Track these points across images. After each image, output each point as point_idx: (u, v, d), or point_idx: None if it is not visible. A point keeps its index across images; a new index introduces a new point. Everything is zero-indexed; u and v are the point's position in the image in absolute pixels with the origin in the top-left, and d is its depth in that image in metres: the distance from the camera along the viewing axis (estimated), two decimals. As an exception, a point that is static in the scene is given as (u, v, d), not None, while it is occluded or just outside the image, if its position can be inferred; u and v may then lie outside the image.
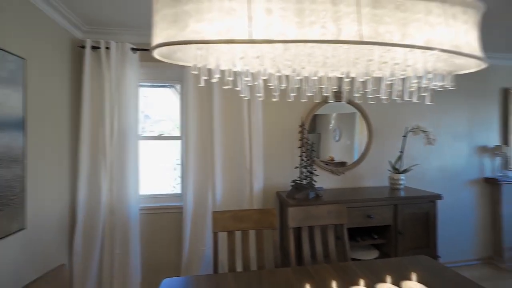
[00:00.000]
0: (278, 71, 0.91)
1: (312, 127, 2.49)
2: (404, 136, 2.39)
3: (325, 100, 2.38)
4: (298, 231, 1.56)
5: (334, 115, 2.60)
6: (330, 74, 1.03)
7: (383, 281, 0.85)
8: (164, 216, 2.27)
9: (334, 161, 2.56)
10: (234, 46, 0.82)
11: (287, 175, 2.34)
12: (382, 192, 2.24)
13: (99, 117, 1.99)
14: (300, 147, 2.13)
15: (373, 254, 2.09)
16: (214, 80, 0.88)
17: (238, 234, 1.49)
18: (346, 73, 0.98)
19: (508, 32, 2.19)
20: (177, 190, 2.40)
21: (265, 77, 0.90)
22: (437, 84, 0.86)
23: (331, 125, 2.66)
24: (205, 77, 0.85)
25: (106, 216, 1.99)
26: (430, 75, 0.86)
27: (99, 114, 1.99)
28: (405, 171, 2.34)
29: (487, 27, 2.12)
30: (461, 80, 2.85)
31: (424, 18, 0.64)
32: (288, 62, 0.89)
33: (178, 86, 2.39)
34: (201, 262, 2.10)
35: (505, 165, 2.84)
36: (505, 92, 2.85)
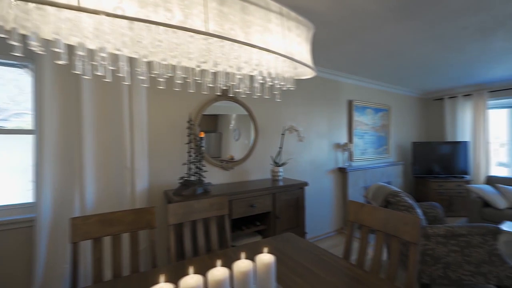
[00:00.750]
0: (140, 55, 0.85)
1: (213, 126, 2.56)
2: (283, 134, 2.78)
3: (215, 98, 2.45)
4: (180, 227, 1.52)
5: (234, 115, 2.72)
6: (205, 67, 1.06)
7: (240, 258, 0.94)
8: (10, 234, 1.72)
9: (234, 160, 2.67)
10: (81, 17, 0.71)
11: (176, 172, 2.26)
12: (265, 184, 2.52)
13: None
14: (188, 143, 2.10)
15: (256, 239, 2.32)
16: (62, 62, 0.72)
17: (108, 240, 1.31)
18: (215, 67, 1.03)
19: (346, 58, 2.93)
20: (29, 198, 1.87)
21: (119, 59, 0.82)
22: (284, 84, 1.03)
23: (231, 125, 2.76)
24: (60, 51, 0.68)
25: None
26: (278, 77, 1.02)
27: None
28: (283, 164, 2.72)
29: (334, 52, 2.81)
30: (323, 91, 3.64)
31: (265, 24, 0.75)
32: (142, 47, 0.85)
33: (32, 66, 1.87)
34: (62, 282, 1.71)
35: (350, 158, 3.80)
36: (350, 103, 3.81)
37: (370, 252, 2.58)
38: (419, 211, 2.11)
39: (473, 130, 4.50)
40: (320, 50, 2.67)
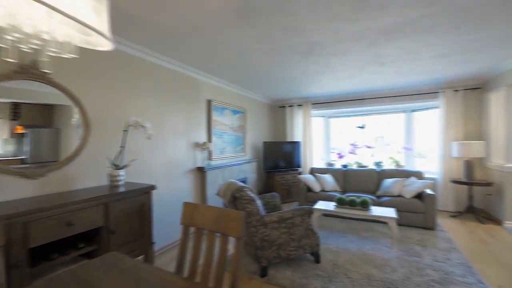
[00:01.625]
0: None
1: (46, 120, 1.92)
2: (125, 130, 2.34)
3: (7, 75, 1.68)
4: None
5: (76, 109, 2.06)
6: None
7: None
8: None
9: (47, 162, 1.97)
10: None
11: None
12: (99, 191, 1.99)
13: None
14: None
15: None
16: None
17: None
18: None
19: (202, 56, 2.91)
20: None
21: None
22: (70, 54, 0.74)
23: (73, 119, 2.05)
24: None
25: None
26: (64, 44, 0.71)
27: None
28: (125, 166, 2.28)
29: (184, 46, 2.67)
30: (182, 88, 3.47)
31: None
32: None
33: None
34: None
35: (209, 157, 3.83)
36: (209, 102, 3.85)
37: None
38: (258, 202, 2.34)
39: (303, 133, 5.78)
40: (171, 43, 2.46)
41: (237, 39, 2.47)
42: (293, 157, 5.55)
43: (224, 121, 4.22)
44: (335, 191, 4.43)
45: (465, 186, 4.23)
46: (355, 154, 5.42)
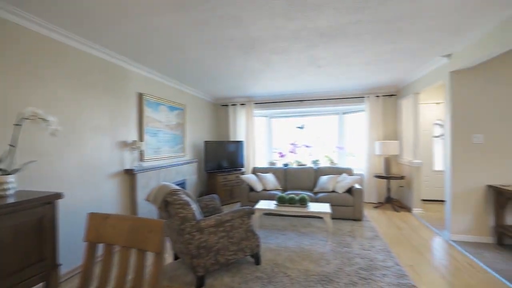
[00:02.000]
0: None
1: None
2: (18, 124, 1.82)
3: None
4: None
5: None
6: None
7: None
8: None
9: None
10: None
11: None
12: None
13: None
14: None
15: None
16: None
17: None
18: None
19: (129, 40, 2.52)
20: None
21: None
22: None
23: None
24: None
25: None
26: None
27: None
28: (16, 170, 1.77)
29: (108, 29, 2.22)
30: (105, 77, 2.96)
31: None
32: None
33: None
34: None
35: (141, 157, 3.40)
36: (140, 96, 3.42)
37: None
38: (194, 206, 2.14)
39: (246, 132, 5.75)
40: (88, 23, 2.03)
41: (171, 24, 2.21)
42: (236, 157, 5.46)
43: (159, 118, 3.83)
44: (277, 189, 4.50)
45: (385, 180, 4.84)
46: (295, 153, 5.65)
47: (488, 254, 2.66)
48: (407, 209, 4.47)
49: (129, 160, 3.20)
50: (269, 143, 6.12)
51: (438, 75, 3.38)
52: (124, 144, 3.13)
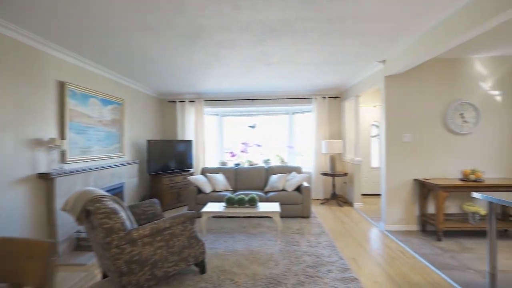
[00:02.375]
0: None
1: None
2: None
3: None
4: None
5: None
6: None
7: None
8: None
9: None
10: None
11: None
12: None
13: None
14: None
15: None
16: None
17: None
18: None
19: (44, 15, 2.05)
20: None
21: None
22: None
23: None
24: None
25: None
26: None
27: None
28: None
29: (37, 8, 1.82)
30: (8, 62, 2.37)
31: None
32: None
33: None
34: None
35: (62, 159, 2.84)
36: (61, 85, 2.85)
37: None
38: (123, 214, 1.82)
39: (195, 131, 5.43)
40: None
41: (101, 1, 1.85)
42: (185, 157, 5.10)
43: (89, 112, 3.28)
44: (227, 190, 4.33)
45: (330, 177, 5.10)
46: (246, 152, 5.56)
47: (414, 241, 2.97)
48: (350, 203, 4.78)
49: (45, 162, 2.63)
50: (220, 142, 5.91)
51: (375, 79, 3.66)
52: (38, 143, 2.56)
